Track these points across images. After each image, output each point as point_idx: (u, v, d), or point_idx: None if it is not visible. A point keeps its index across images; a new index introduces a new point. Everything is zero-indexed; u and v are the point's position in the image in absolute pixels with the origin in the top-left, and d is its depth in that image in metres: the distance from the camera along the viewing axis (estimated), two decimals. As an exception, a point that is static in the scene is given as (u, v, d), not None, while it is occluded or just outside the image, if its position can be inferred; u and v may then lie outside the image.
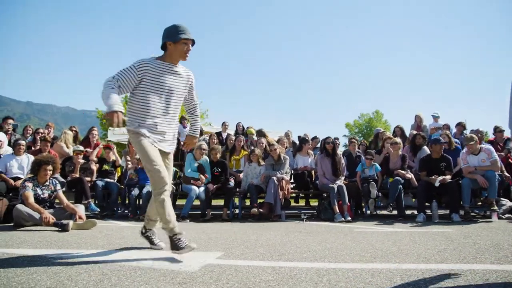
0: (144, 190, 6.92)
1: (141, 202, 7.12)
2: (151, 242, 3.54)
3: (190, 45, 3.13)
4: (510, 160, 7.89)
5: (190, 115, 3.61)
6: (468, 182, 6.27)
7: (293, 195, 8.50)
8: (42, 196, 5.38)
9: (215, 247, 3.65)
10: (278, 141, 8.42)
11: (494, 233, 4.54)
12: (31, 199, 5.17)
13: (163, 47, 3.15)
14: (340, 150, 8.96)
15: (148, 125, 3.09)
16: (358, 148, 8.66)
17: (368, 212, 7.45)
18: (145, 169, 3.14)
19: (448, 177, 6.54)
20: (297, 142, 9.08)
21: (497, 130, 8.69)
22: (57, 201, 5.61)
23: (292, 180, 7.96)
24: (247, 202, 7.96)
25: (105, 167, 7.64)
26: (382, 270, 2.55)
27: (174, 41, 3.07)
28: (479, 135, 8.17)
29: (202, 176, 7.11)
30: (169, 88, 3.14)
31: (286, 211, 7.06)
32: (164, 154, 3.28)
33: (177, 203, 8.25)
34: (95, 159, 7.84)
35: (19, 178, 6.41)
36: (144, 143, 3.05)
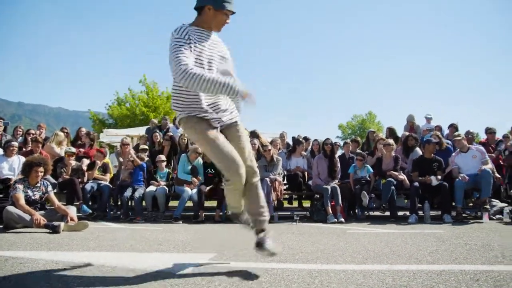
0: (136, 194, 6.88)
1: (133, 204, 7.08)
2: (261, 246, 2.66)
3: (229, 17, 2.72)
4: (501, 161, 7.98)
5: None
6: (461, 183, 6.32)
7: (286, 196, 8.50)
8: (33, 197, 5.32)
9: (208, 248, 3.64)
10: (271, 142, 8.41)
11: (485, 234, 4.58)
12: (22, 201, 5.11)
13: (200, 9, 2.66)
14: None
15: (204, 104, 2.58)
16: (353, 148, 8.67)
17: (360, 213, 7.47)
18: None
19: (439, 177, 6.61)
20: (291, 143, 9.10)
21: (489, 132, 8.77)
22: (48, 202, 5.56)
23: (285, 182, 7.97)
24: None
25: (96, 173, 7.55)
26: (374, 271, 2.56)
27: (217, 7, 2.61)
28: (470, 136, 8.26)
29: (195, 179, 7.10)
30: (214, 58, 2.65)
31: (279, 213, 7.07)
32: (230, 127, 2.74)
33: (169, 204, 8.22)
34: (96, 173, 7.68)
35: (9, 179, 6.35)
36: (206, 132, 2.56)
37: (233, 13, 2.72)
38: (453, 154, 7.02)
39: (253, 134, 8.97)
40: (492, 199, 6.78)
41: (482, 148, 7.08)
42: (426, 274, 2.45)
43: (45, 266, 2.73)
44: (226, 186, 2.66)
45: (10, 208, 5.02)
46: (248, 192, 2.71)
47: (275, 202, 6.87)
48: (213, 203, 7.40)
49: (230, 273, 2.52)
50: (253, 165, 2.73)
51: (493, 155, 7.83)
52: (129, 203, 7.13)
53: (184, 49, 2.46)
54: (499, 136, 8.79)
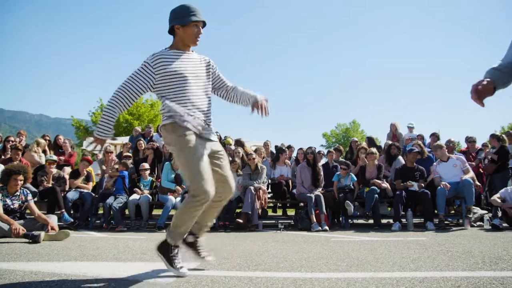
0: (115, 203, 6.78)
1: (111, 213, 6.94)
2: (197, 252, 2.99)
3: (200, 27, 2.76)
4: (481, 169, 8.15)
5: (232, 94, 3.06)
6: (443, 191, 6.43)
7: (271, 204, 8.50)
8: (11, 206, 5.20)
9: (192, 258, 3.60)
10: (256, 151, 8.42)
11: (466, 241, 4.66)
12: (0, 210, 4.99)
13: (171, 31, 2.79)
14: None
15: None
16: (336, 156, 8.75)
17: (344, 222, 7.50)
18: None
19: (422, 184, 6.72)
20: (275, 152, 9.13)
21: (469, 140, 8.98)
22: (28, 211, 5.44)
23: (269, 190, 7.97)
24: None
25: (79, 182, 7.42)
26: (358, 279, 2.57)
27: (183, 24, 2.71)
28: (451, 144, 8.43)
29: (178, 188, 7.05)
30: (189, 75, 2.72)
31: (263, 221, 7.06)
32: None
33: (153, 213, 8.12)
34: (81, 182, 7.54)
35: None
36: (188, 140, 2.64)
37: (204, 23, 2.79)
38: (434, 163, 7.16)
39: (238, 143, 8.98)
40: (473, 207, 6.91)
41: (462, 157, 7.23)
42: (409, 282, 2.47)
43: (23, 278, 2.66)
44: (188, 203, 2.63)
45: (-12, 218, 4.89)
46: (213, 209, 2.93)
47: (260, 211, 6.86)
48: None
49: (214, 282, 2.50)
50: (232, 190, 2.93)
51: (473, 163, 8.00)
52: (111, 212, 7.02)
53: (138, 77, 2.65)
54: (479, 145, 9.00)
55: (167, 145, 2.80)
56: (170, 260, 2.73)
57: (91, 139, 2.78)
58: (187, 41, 2.78)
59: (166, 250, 2.76)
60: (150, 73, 2.65)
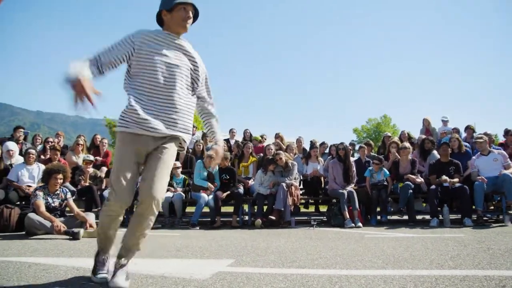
0: None
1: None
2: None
3: (190, 11, 2.47)
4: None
5: (203, 116, 2.74)
6: (481, 186, 6.20)
7: (303, 201, 8.46)
8: (53, 204, 5.41)
9: (226, 254, 3.64)
10: (287, 147, 8.41)
11: (508, 238, 4.47)
12: (43, 208, 5.21)
13: (159, 19, 2.53)
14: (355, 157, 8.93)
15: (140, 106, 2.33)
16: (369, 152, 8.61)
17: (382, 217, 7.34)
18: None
19: (456, 180, 6.50)
20: (308, 149, 9.11)
21: (509, 134, 8.60)
22: (68, 209, 5.65)
23: (301, 186, 7.93)
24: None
25: None
26: (395, 277, 2.52)
27: (170, 8, 2.44)
28: (488, 138, 8.11)
29: (211, 185, 7.12)
30: (170, 61, 2.41)
31: (295, 218, 7.03)
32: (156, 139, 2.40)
33: (186, 210, 8.25)
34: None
35: (30, 187, 6.48)
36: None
37: (193, 6, 2.49)
38: (473, 157, 6.90)
39: (276, 136, 9.20)
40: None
41: (503, 151, 6.95)
42: (449, 280, 2.41)
43: (66, 272, 2.77)
44: (103, 208, 2.46)
45: (32, 215, 5.13)
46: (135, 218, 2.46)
47: (292, 207, 6.83)
48: (230, 209, 7.41)
49: (249, 279, 2.51)
50: (152, 194, 2.30)
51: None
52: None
53: (118, 45, 2.36)
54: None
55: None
56: (94, 264, 2.54)
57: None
58: (175, 27, 2.48)
59: (96, 254, 2.58)
60: (130, 44, 2.37)
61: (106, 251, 2.58)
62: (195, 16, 2.56)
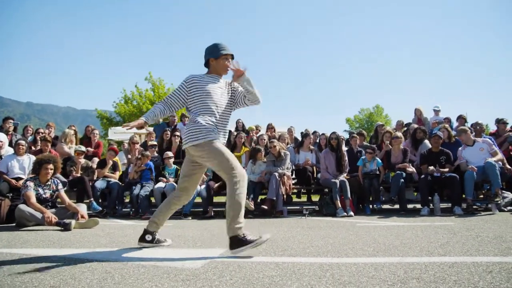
0: (142, 191, 6.90)
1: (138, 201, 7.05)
2: (159, 241, 3.57)
3: (230, 59, 3.36)
4: (511, 153, 7.89)
5: (247, 97, 3.42)
6: (471, 175, 6.27)
7: (295, 190, 8.50)
8: (44, 195, 5.38)
9: (218, 243, 3.65)
10: (279, 137, 8.41)
11: (496, 226, 4.54)
12: (33, 199, 5.17)
13: (207, 64, 3.41)
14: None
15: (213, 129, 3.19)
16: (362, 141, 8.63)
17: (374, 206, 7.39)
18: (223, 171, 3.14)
19: (446, 169, 6.57)
20: (299, 138, 9.11)
21: (500, 122, 8.67)
22: (59, 200, 5.61)
23: (293, 176, 7.96)
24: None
25: (106, 171, 7.57)
26: (385, 264, 2.55)
27: (216, 57, 3.33)
28: (478, 127, 8.18)
29: (204, 176, 7.11)
30: (217, 96, 3.28)
31: (288, 207, 7.07)
32: None
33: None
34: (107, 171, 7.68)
35: (20, 179, 6.42)
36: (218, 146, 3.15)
37: (232, 56, 3.37)
38: (460, 148, 6.98)
39: (268, 126, 9.25)
40: (504, 191, 6.73)
41: (488, 139, 7.02)
42: (438, 266, 2.44)
43: (57, 263, 2.76)
44: (235, 190, 3.12)
45: (22, 207, 5.08)
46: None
47: (284, 197, 6.86)
48: (222, 199, 7.42)
49: (241, 268, 2.53)
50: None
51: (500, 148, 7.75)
52: (138, 200, 7.15)
53: (176, 95, 3.28)
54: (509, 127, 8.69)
55: (200, 158, 3.21)
56: (244, 243, 3.01)
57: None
58: (219, 71, 3.38)
59: (238, 243, 3.02)
60: (184, 90, 3.27)
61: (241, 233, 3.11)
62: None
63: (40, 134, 8.37)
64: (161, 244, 3.53)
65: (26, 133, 8.92)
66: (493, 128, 9.63)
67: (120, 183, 7.57)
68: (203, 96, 3.23)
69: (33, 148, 7.95)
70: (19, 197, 5.74)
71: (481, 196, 7.76)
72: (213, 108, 3.23)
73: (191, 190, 3.46)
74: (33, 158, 6.51)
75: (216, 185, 6.98)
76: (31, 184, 5.30)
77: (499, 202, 6.22)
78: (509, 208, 6.45)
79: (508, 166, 6.67)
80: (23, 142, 6.93)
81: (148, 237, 3.48)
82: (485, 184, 7.07)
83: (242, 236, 3.05)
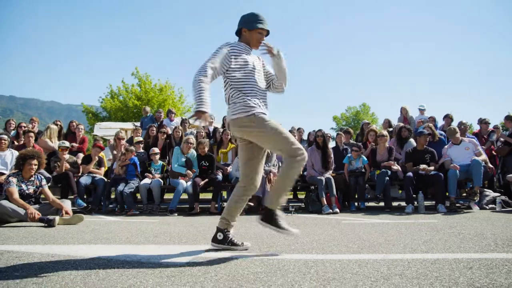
0: (126, 188, 6.84)
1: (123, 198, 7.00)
2: (232, 243, 3.14)
3: (264, 35, 3.11)
4: (493, 152, 8.05)
5: (274, 83, 3.26)
6: (454, 173, 6.38)
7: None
8: (27, 191, 5.30)
9: (204, 240, 3.65)
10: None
11: (478, 223, 4.63)
12: (16, 195, 5.09)
13: (238, 33, 3.14)
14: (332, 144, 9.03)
15: (259, 103, 2.96)
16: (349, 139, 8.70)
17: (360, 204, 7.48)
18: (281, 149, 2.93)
19: (431, 168, 6.67)
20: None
21: (482, 122, 8.84)
22: (43, 196, 5.53)
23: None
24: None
25: (91, 167, 7.49)
26: (369, 261, 2.58)
27: (250, 28, 3.06)
28: (462, 127, 8.32)
29: (189, 172, 7.09)
30: (254, 67, 3.04)
31: (274, 204, 7.08)
32: None
33: (164, 197, 8.22)
34: (92, 167, 7.58)
35: (2, 174, 6.30)
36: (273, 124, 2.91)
37: (268, 32, 3.11)
38: (446, 146, 7.10)
39: None
40: (485, 189, 6.87)
41: (474, 140, 7.15)
42: (421, 263, 2.48)
43: (40, 259, 2.73)
44: (290, 165, 2.91)
45: (4, 203, 4.99)
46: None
47: (270, 194, 6.87)
48: (208, 195, 7.42)
49: (226, 264, 2.53)
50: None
51: (483, 147, 7.90)
52: (123, 197, 7.10)
53: (217, 58, 2.90)
54: (491, 127, 8.87)
55: (245, 130, 2.94)
56: (276, 223, 2.95)
57: (194, 116, 2.83)
58: (251, 44, 3.11)
59: (270, 217, 2.97)
60: (226, 56, 2.94)
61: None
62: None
63: (23, 128, 8.23)
64: (235, 248, 3.09)
65: (9, 127, 8.76)
66: (476, 128, 9.80)
67: (106, 179, 7.50)
68: (248, 71, 2.99)
69: (16, 143, 7.81)
70: (0, 193, 5.64)
71: (464, 194, 7.91)
72: (256, 88, 3.00)
73: (254, 177, 3.16)
74: (16, 153, 6.40)
75: (202, 182, 6.96)
76: (13, 179, 5.21)
77: (476, 200, 6.36)
78: (490, 206, 6.59)
79: (490, 165, 6.81)
80: (5, 136, 6.79)
81: (220, 236, 3.12)
82: (468, 183, 7.21)
83: (276, 216, 2.97)
